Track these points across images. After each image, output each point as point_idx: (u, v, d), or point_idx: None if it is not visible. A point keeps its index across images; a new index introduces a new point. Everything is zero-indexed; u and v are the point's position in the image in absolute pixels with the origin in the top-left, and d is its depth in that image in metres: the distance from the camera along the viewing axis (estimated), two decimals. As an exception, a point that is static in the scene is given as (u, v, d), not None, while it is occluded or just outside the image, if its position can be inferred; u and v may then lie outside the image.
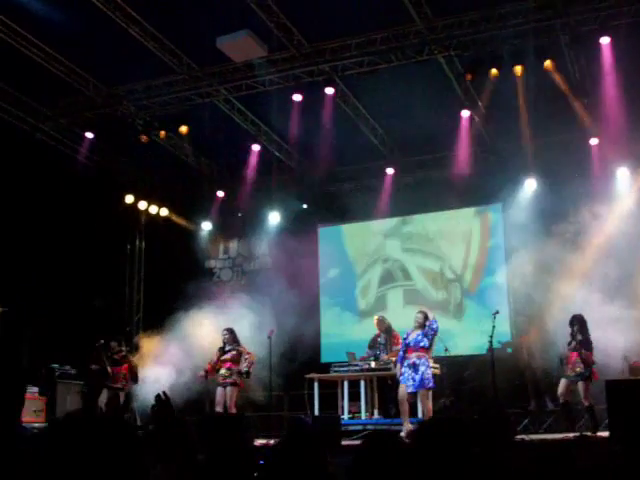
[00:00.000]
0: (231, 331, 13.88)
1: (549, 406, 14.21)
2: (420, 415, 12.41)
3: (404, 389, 11.98)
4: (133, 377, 14.67)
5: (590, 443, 9.60)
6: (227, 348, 13.70)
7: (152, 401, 3.33)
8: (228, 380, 13.50)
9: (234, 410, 13.34)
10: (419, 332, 12.04)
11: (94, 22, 12.92)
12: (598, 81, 13.05)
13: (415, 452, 2.84)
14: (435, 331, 12.08)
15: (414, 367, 11.87)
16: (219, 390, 13.57)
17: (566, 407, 11.94)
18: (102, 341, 14.34)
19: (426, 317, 12.21)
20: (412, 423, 11.93)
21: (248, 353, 13.79)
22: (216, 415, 12.84)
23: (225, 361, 13.62)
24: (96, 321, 16.30)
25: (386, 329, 14.86)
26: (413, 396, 12.15)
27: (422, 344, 11.96)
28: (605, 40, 12.40)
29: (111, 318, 17.65)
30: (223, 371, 13.59)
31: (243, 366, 13.58)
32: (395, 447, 3.81)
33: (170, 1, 12.60)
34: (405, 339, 12.27)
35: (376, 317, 15.17)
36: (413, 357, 11.93)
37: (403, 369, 12.03)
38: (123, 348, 14.87)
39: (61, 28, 13.02)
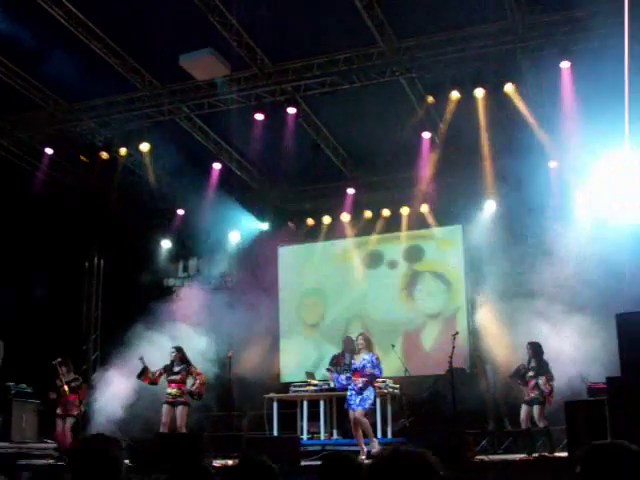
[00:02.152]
0: (180, 350, 13.65)
1: (508, 427, 14.28)
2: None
3: (352, 414, 11.96)
4: (82, 403, 14.37)
5: (550, 463, 9.65)
6: (176, 368, 13.46)
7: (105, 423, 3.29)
8: (179, 399, 13.27)
9: (184, 430, 13.12)
10: (364, 356, 12.02)
11: (56, 37, 12.84)
12: (557, 105, 13.21)
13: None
14: (377, 370, 12.10)
15: (360, 391, 11.84)
16: (166, 408, 13.23)
17: (528, 432, 11.98)
18: (59, 359, 14.09)
19: (368, 340, 12.24)
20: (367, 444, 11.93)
21: (198, 374, 13.57)
22: (174, 434, 12.68)
23: (175, 381, 13.38)
24: (53, 339, 16.09)
25: (352, 350, 14.84)
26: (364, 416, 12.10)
27: (367, 371, 11.93)
28: (565, 64, 12.58)
29: (68, 336, 17.43)
30: (174, 391, 13.33)
31: (194, 387, 13.37)
32: (353, 469, 3.81)
33: (133, 18, 12.55)
34: (352, 364, 12.27)
35: (346, 337, 15.12)
36: (360, 382, 11.89)
37: (349, 392, 11.99)
38: (75, 376, 14.53)
39: (22, 42, 12.89)
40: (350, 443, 13.20)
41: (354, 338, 14.72)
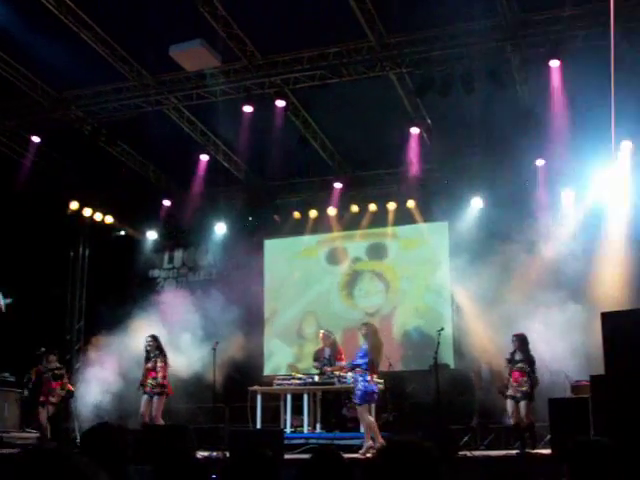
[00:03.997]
0: (155, 338, 13.59)
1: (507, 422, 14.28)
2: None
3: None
4: (68, 393, 14.32)
5: (533, 460, 9.70)
6: (151, 356, 13.44)
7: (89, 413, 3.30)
8: (155, 390, 13.24)
9: (161, 421, 13.08)
10: (361, 346, 12.12)
11: (45, 25, 12.77)
12: (546, 103, 13.24)
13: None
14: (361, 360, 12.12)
15: (355, 383, 11.97)
16: (144, 399, 13.25)
17: (518, 428, 11.97)
18: (43, 349, 14.06)
19: (369, 330, 12.31)
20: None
21: (162, 367, 13.40)
22: (159, 426, 12.66)
23: (149, 370, 13.37)
24: (36, 328, 16.05)
25: (331, 344, 14.87)
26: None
27: (359, 361, 11.99)
28: (555, 63, 12.61)
29: (52, 326, 17.39)
30: (151, 381, 13.30)
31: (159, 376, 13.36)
32: (339, 465, 3.84)
33: (123, 7, 12.50)
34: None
35: (322, 331, 15.17)
36: (352, 373, 12.10)
37: None
38: (59, 365, 14.53)
39: (10, 29, 12.83)
40: (334, 437, 13.26)
41: (328, 333, 14.85)
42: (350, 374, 12.28)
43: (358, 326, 12.61)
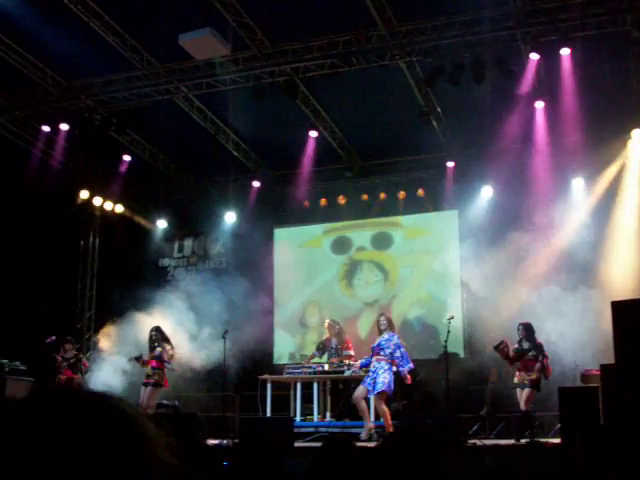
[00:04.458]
0: (158, 329, 13.75)
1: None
2: (372, 417, 12.46)
3: (361, 390, 12.17)
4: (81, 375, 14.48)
5: (542, 449, 9.70)
6: (156, 346, 13.56)
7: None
8: (151, 380, 13.41)
9: (150, 410, 13.19)
10: (385, 336, 12.18)
11: (54, 14, 12.76)
12: (556, 91, 13.20)
13: (382, 464, 2.84)
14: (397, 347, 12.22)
15: (374, 371, 12.03)
16: (142, 390, 13.48)
17: (527, 416, 11.98)
18: (54, 337, 14.14)
19: (390, 320, 12.40)
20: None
21: (172, 349, 13.69)
22: (167, 415, 12.71)
23: (151, 359, 13.51)
24: (47, 317, 16.11)
25: (337, 333, 14.88)
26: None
27: (388, 350, 12.07)
28: (565, 51, 12.56)
29: (62, 314, 17.44)
30: (147, 370, 13.51)
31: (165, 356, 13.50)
32: (350, 454, 3.85)
33: (133, -4, 12.51)
34: (373, 344, 12.44)
35: (327, 321, 15.17)
36: (374, 361, 12.13)
37: (369, 372, 12.25)
38: (75, 353, 14.65)
39: (19, 18, 12.82)
40: (344, 425, 13.29)
41: (333, 323, 14.87)
42: (375, 359, 12.33)
43: (377, 317, 12.73)
